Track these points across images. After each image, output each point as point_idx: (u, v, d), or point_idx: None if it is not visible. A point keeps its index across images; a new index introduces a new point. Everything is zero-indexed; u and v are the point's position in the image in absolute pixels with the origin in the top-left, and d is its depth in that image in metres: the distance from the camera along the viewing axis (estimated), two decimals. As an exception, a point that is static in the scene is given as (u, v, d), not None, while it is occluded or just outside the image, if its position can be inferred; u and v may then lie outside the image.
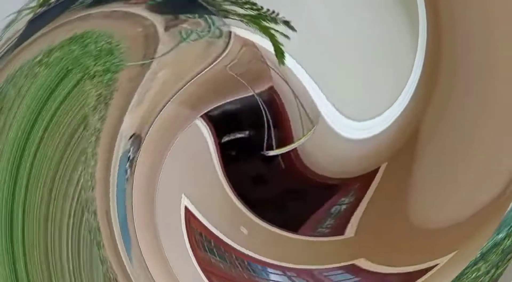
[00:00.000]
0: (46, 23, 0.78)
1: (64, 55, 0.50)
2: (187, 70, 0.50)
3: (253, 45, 0.81)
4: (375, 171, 0.47)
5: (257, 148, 0.52)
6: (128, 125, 0.43)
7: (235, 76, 0.56)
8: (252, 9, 0.88)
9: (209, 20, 0.88)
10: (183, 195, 0.46)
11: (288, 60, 0.53)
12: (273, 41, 0.84)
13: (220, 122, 0.49)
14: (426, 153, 0.50)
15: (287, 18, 0.57)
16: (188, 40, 0.64)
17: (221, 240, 0.48)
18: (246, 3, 0.87)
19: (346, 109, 0.47)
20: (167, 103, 0.45)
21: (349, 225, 0.51)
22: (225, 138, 0.50)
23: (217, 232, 0.48)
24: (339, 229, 0.54)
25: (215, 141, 0.48)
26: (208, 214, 0.47)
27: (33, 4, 0.66)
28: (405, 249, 0.82)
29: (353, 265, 0.89)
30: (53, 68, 0.47)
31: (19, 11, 0.71)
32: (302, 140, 0.53)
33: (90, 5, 0.88)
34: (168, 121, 0.45)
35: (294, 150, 0.48)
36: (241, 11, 0.89)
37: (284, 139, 0.53)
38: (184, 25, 0.74)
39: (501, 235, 0.48)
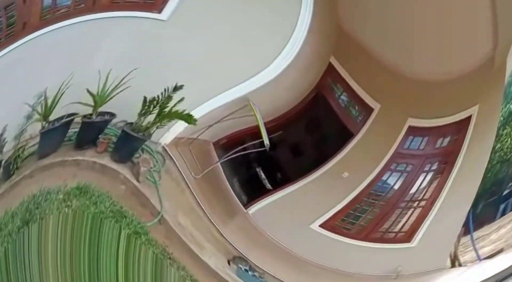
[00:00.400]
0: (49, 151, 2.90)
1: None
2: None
3: (185, 140, 3.51)
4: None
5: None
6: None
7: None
8: (154, 105, 3.52)
9: (150, 151, 3.61)
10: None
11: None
12: (181, 118, 3.34)
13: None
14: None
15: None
16: (159, 182, 3.00)
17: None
18: (150, 102, 3.12)
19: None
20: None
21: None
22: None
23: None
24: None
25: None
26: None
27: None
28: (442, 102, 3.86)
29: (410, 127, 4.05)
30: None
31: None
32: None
33: (75, 148, 3.07)
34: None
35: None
36: (151, 118, 3.64)
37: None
38: (142, 169, 3.25)
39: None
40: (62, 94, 3.33)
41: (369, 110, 6.28)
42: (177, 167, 4.02)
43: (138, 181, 3.38)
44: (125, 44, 4.47)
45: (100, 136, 3.50)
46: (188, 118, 3.66)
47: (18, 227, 2.36)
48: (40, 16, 3.93)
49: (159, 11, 4.38)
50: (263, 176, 8.03)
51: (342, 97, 6.76)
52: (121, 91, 3.65)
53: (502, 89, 5.48)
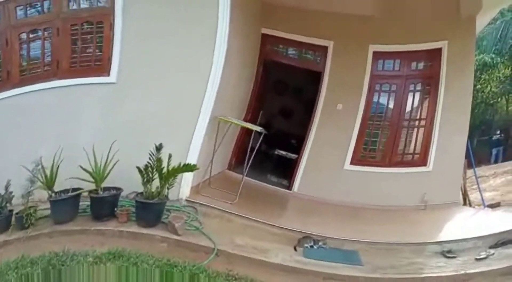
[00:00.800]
0: (64, 219, 3.61)
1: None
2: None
3: (202, 183, 4.79)
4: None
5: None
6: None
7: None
8: (151, 171, 3.69)
9: (176, 209, 4.22)
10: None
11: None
12: (182, 171, 3.75)
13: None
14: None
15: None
16: (201, 227, 3.72)
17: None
18: (145, 170, 3.73)
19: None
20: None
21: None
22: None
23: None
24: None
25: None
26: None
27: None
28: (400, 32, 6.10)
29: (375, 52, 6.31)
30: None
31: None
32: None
33: (94, 219, 3.64)
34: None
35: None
36: (157, 182, 3.70)
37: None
38: (177, 225, 3.38)
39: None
40: (58, 167, 3.74)
41: (323, 49, 6.44)
42: (211, 206, 4.33)
43: (178, 235, 3.53)
44: (93, 112, 4.49)
45: (116, 209, 3.70)
46: (189, 168, 3.84)
47: (38, 274, 2.69)
48: (19, 70, 4.62)
49: (108, 74, 4.38)
50: (283, 153, 8.13)
51: (289, 52, 6.88)
52: (113, 166, 3.74)
53: (472, 37, 6.17)
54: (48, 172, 3.66)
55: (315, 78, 6.62)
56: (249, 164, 4.75)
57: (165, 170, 3.55)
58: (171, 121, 4.34)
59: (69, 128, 4.43)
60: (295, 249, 3.60)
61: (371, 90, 6.23)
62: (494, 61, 16.24)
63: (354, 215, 5.42)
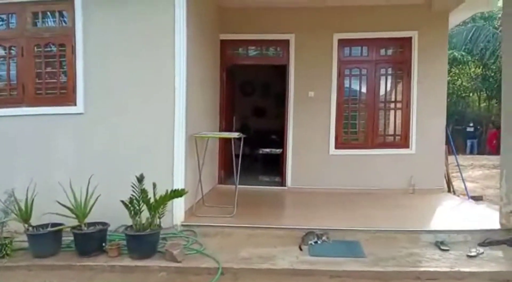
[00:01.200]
0: (45, 254, 3.50)
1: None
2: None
3: (195, 204, 4.86)
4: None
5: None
6: None
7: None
8: (138, 204, 3.51)
9: (172, 235, 4.12)
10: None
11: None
12: (172, 198, 3.59)
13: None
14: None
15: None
16: (202, 248, 3.60)
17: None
18: (131, 204, 3.55)
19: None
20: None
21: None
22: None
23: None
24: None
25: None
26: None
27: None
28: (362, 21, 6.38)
29: (340, 39, 6.56)
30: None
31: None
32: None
33: (81, 255, 3.50)
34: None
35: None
36: (147, 213, 3.54)
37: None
38: (175, 252, 3.21)
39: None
40: (33, 201, 3.57)
41: (285, 43, 6.50)
42: (209, 225, 4.22)
43: (178, 262, 3.35)
44: (65, 144, 4.29)
45: (104, 244, 3.50)
46: (177, 193, 3.67)
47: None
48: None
49: (74, 103, 4.19)
50: (267, 150, 8.17)
51: (250, 52, 6.87)
52: (95, 201, 3.54)
53: (444, 30, 6.48)
54: (22, 205, 3.49)
55: (281, 72, 6.71)
56: (238, 171, 4.65)
57: (152, 200, 3.39)
58: (148, 149, 4.18)
59: (41, 160, 4.24)
60: (300, 248, 3.59)
61: (341, 75, 6.37)
62: (465, 59, 18.39)
63: (349, 201, 5.55)
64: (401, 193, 6.07)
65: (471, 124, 19.13)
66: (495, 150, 18.39)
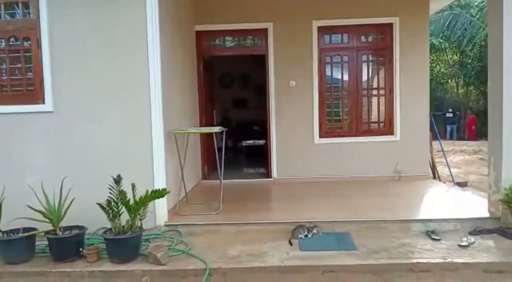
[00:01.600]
0: (16, 260, 3.29)
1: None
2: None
3: (179, 203, 4.79)
4: None
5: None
6: None
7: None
8: (116, 206, 3.25)
9: (156, 236, 3.95)
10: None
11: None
12: (153, 198, 3.39)
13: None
14: None
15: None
16: (187, 248, 3.43)
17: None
18: (108, 206, 3.30)
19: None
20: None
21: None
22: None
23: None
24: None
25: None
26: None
27: None
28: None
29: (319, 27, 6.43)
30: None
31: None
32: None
33: (56, 260, 3.24)
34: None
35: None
36: (126, 215, 3.31)
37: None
38: (159, 254, 3.05)
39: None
40: (1, 205, 3.33)
41: (263, 31, 6.36)
42: (195, 224, 4.04)
43: (162, 264, 3.11)
44: (34, 146, 4.02)
45: (81, 249, 3.25)
46: (158, 194, 3.41)
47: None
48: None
49: (43, 101, 3.88)
50: (250, 142, 8.11)
51: (227, 43, 6.71)
52: (70, 204, 3.31)
53: (425, 17, 6.46)
54: None
55: (260, 61, 6.56)
56: (222, 166, 4.48)
57: (132, 202, 3.18)
58: (124, 149, 3.96)
59: (9, 163, 3.95)
60: (290, 243, 3.45)
61: (322, 63, 6.29)
62: (442, 45, 18.64)
63: (336, 190, 5.50)
64: (388, 180, 6.05)
65: (450, 110, 19.47)
66: (474, 136, 18.89)
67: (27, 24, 3.96)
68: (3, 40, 4.03)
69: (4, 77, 4.06)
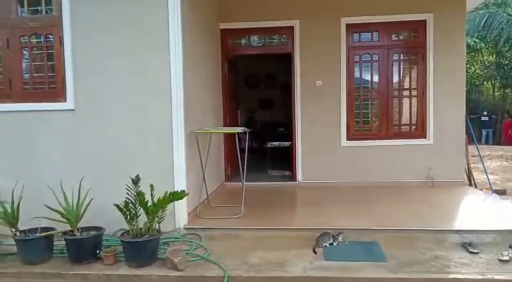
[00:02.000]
0: (35, 260, 3.27)
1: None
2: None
3: (199, 206, 4.65)
4: None
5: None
6: None
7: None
8: (134, 208, 3.20)
9: (174, 240, 3.81)
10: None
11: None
12: (171, 200, 3.27)
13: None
14: None
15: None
16: (206, 254, 3.29)
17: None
18: (126, 207, 3.25)
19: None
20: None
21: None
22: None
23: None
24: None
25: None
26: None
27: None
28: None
29: (348, 24, 6.06)
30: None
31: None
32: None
33: (74, 262, 3.24)
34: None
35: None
36: (145, 218, 3.24)
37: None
38: (176, 260, 2.90)
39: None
40: (19, 203, 3.27)
41: (289, 29, 6.12)
42: (215, 228, 3.89)
43: (179, 270, 2.98)
44: (54, 143, 3.95)
45: (98, 251, 3.17)
46: (176, 196, 3.26)
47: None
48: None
49: (64, 99, 3.83)
50: (276, 143, 7.89)
51: (253, 42, 6.51)
52: (88, 204, 3.23)
53: (462, 14, 6.09)
54: (8, 207, 3.23)
55: (287, 60, 6.35)
56: (245, 167, 4.33)
57: (150, 203, 3.07)
58: (144, 148, 3.86)
59: (28, 161, 3.93)
60: (314, 251, 3.25)
61: (350, 62, 6.01)
62: (478, 46, 17.77)
63: (364, 195, 5.24)
64: (419, 186, 5.71)
65: (486, 113, 18.56)
66: (511, 141, 17.90)
67: (50, 21, 3.93)
68: (26, 37, 3.99)
69: (26, 75, 4.03)
